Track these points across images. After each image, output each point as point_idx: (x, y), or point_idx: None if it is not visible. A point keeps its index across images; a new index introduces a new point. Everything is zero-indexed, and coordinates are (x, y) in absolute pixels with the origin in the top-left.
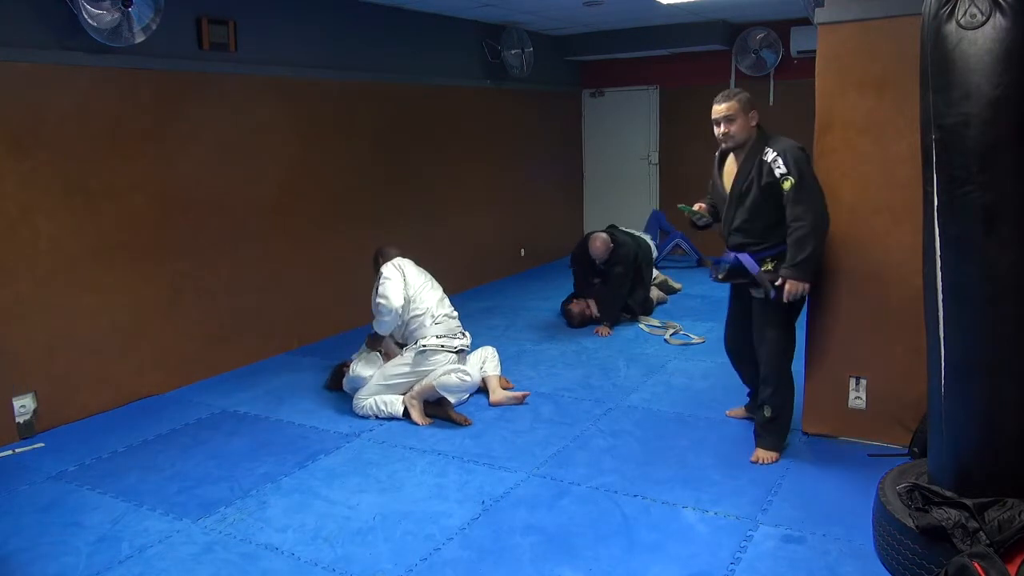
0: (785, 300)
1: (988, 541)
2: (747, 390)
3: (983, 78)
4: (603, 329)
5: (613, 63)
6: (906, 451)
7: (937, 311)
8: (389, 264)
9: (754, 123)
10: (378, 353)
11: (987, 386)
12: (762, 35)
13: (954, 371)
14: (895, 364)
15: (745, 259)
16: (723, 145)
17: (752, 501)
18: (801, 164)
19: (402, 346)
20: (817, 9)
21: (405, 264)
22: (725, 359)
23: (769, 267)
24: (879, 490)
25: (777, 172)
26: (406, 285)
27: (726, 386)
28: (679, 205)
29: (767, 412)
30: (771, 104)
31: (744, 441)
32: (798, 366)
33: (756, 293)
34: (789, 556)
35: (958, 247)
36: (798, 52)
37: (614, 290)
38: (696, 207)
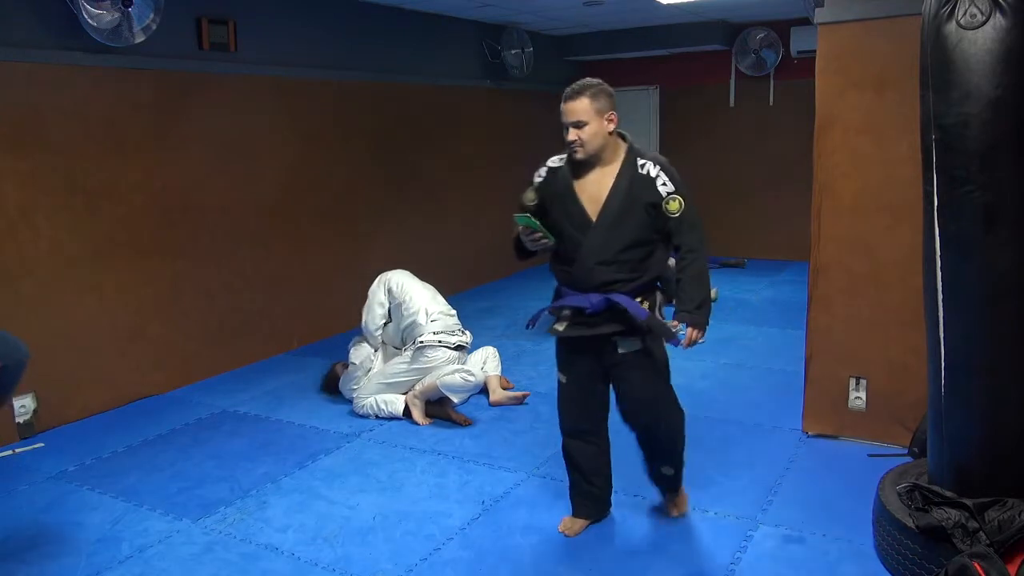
0: (684, 348)
1: (988, 541)
2: (586, 487)
3: (983, 78)
4: None
5: (613, 63)
6: (906, 451)
7: (937, 311)
8: (377, 278)
9: (611, 129)
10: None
11: (987, 386)
12: (762, 35)
13: (954, 371)
14: (895, 364)
15: (624, 301)
16: (576, 156)
17: (752, 501)
18: (680, 181)
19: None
20: (817, 9)
21: (391, 274)
22: (725, 359)
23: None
24: (879, 490)
25: (663, 190)
26: (390, 292)
27: (726, 386)
28: (517, 216)
29: (669, 471)
30: (771, 104)
31: (744, 441)
32: (798, 366)
33: (628, 346)
34: (789, 556)
35: (958, 247)
36: (798, 52)
37: None
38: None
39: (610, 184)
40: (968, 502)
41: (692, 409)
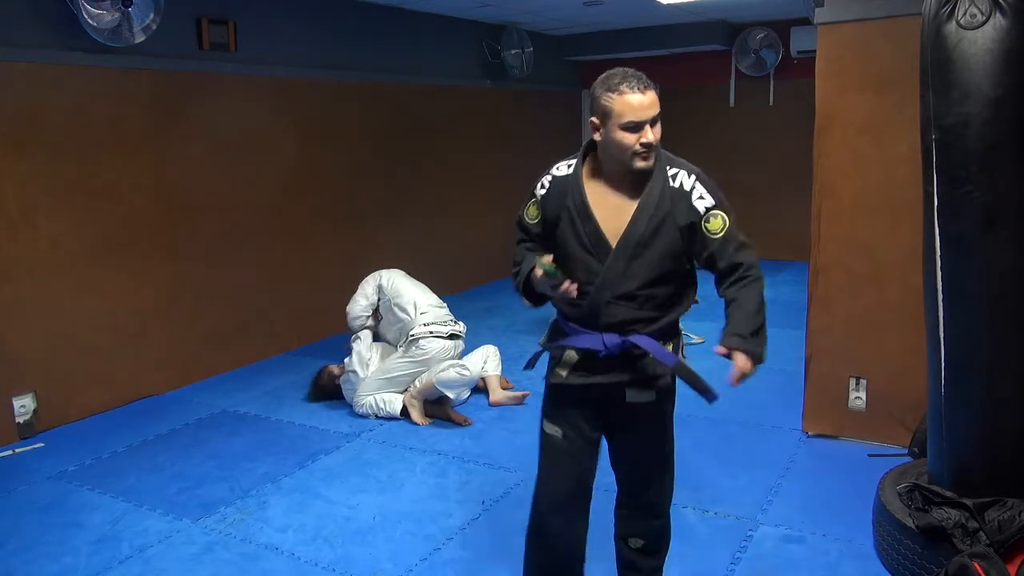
0: (733, 384)
1: (988, 541)
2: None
3: (983, 78)
4: None
5: (613, 63)
6: (906, 451)
7: (937, 311)
8: (373, 273)
9: None
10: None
11: (987, 386)
12: (762, 35)
13: (954, 371)
14: (895, 364)
15: (648, 345)
16: (638, 164)
17: (752, 501)
18: (720, 193)
19: (396, 347)
20: (817, 9)
21: (385, 271)
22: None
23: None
24: (879, 490)
25: (701, 205)
26: (380, 288)
27: (726, 386)
28: (541, 263)
29: (656, 563)
30: (771, 104)
31: (744, 441)
32: (798, 366)
33: (639, 396)
34: (789, 556)
35: (958, 247)
36: (798, 52)
37: None
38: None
39: (636, 200)
40: (968, 502)
41: (692, 409)
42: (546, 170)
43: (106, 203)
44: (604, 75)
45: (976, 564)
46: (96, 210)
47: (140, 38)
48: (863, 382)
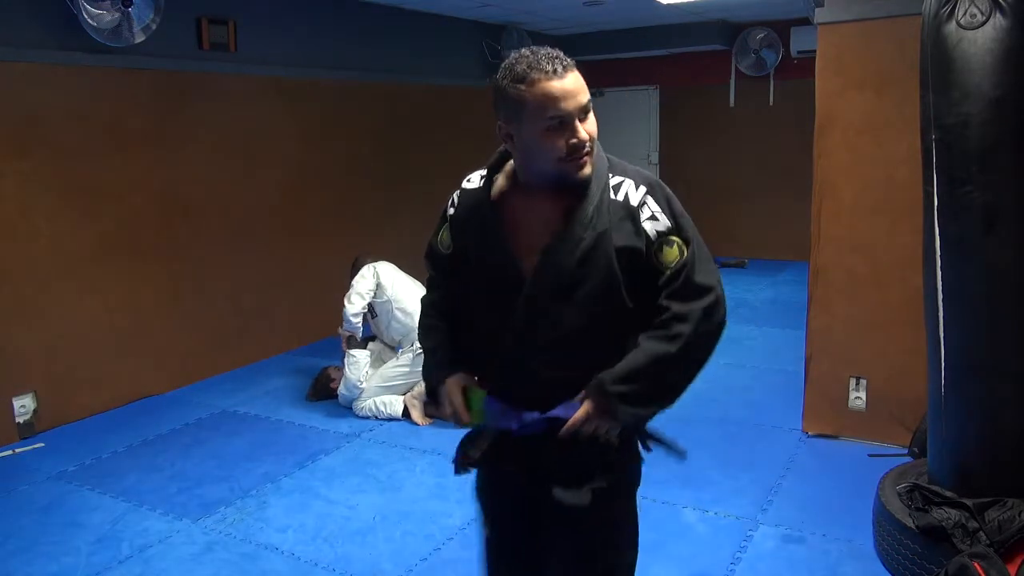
0: (561, 434)
1: (988, 541)
2: None
3: (983, 78)
4: None
5: (613, 63)
6: (906, 451)
7: (937, 311)
8: (368, 265)
9: None
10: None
11: (987, 386)
12: (762, 35)
13: (954, 371)
14: (895, 364)
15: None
16: (570, 174)
17: (752, 501)
18: (684, 212)
19: (394, 348)
20: (817, 9)
21: (381, 266)
22: (725, 359)
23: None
24: (879, 490)
25: (651, 228)
26: (380, 287)
27: (726, 386)
28: (474, 411)
29: None
30: (771, 104)
31: (744, 441)
32: (798, 366)
33: (571, 497)
34: (789, 556)
35: (958, 247)
36: (798, 52)
37: None
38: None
39: (560, 218)
40: (968, 502)
41: (692, 409)
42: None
43: (106, 203)
44: (507, 61)
45: (976, 564)
46: (96, 210)
47: (140, 38)
48: (863, 382)
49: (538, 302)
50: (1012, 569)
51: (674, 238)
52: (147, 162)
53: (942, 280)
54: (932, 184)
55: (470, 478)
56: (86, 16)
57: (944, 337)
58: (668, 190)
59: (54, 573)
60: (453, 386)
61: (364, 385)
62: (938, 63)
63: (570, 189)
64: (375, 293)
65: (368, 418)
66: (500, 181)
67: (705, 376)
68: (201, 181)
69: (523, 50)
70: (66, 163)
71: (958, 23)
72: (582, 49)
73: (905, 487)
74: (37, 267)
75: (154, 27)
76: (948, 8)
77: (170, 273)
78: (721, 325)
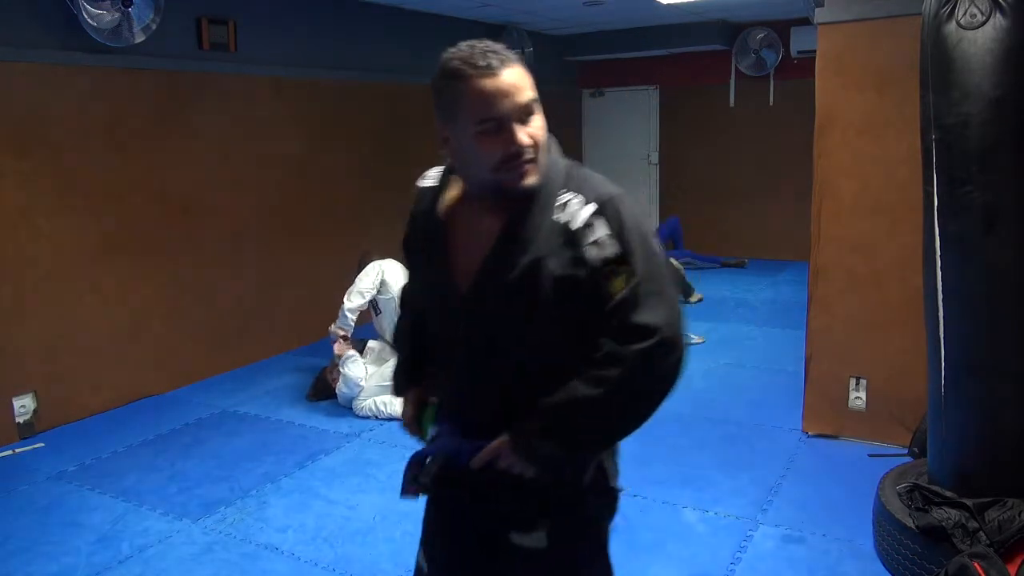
0: (474, 464)
1: (988, 541)
2: None
3: (983, 78)
4: None
5: (613, 63)
6: (906, 451)
7: (937, 311)
8: (373, 263)
9: None
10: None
11: (987, 386)
12: (762, 35)
13: (954, 371)
14: (895, 364)
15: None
16: (510, 182)
17: (752, 501)
18: (645, 235)
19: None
20: (817, 9)
21: (387, 264)
22: (725, 359)
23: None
24: (879, 490)
25: (595, 254)
26: (384, 284)
27: (726, 386)
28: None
29: None
30: (771, 104)
31: (744, 441)
32: (798, 366)
33: (528, 540)
34: (789, 556)
35: (958, 247)
36: (798, 52)
37: None
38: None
39: (496, 234)
40: (968, 502)
41: (692, 409)
42: None
43: (106, 203)
44: (442, 56)
45: (976, 564)
46: (96, 210)
47: (140, 38)
48: (863, 382)
49: (472, 331)
50: (1012, 569)
51: (621, 268)
52: (147, 162)
53: (942, 280)
54: (932, 184)
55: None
56: (86, 16)
57: (944, 337)
58: (627, 208)
59: (54, 573)
60: (410, 398)
61: (364, 384)
62: (938, 63)
63: (513, 202)
64: (380, 290)
65: (368, 418)
66: (453, 188)
67: (705, 376)
68: (201, 181)
69: (461, 44)
70: (66, 163)
71: (958, 23)
72: (582, 49)
73: (905, 487)
74: (37, 267)
75: (154, 27)
76: (948, 8)
77: (170, 273)
78: (667, 374)
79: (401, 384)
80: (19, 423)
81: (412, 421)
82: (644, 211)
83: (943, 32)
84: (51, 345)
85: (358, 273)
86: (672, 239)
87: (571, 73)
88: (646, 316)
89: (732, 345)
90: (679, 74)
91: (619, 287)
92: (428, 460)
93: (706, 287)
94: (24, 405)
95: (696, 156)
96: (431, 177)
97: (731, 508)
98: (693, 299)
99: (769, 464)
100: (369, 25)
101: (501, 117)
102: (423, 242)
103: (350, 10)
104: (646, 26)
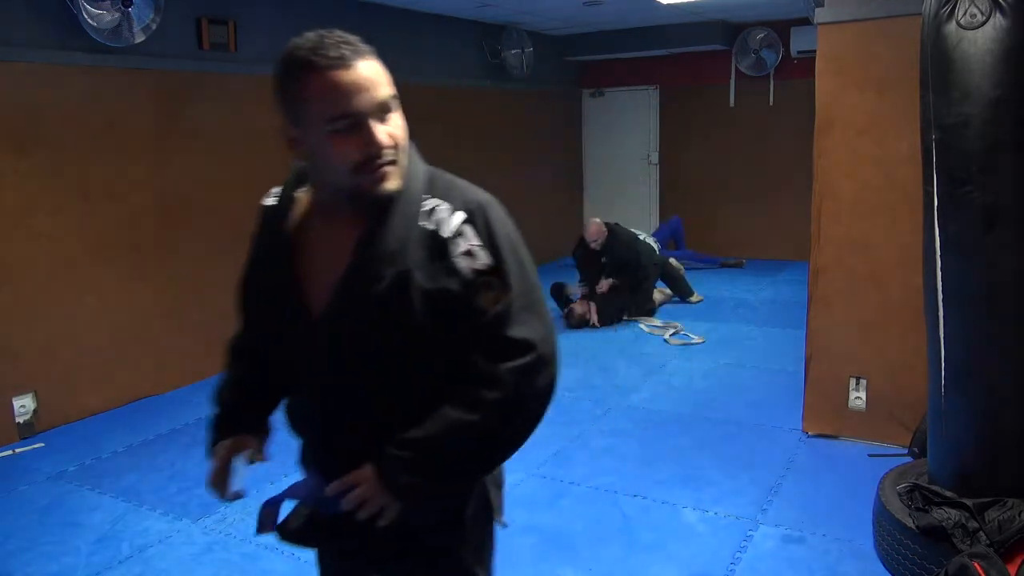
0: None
1: (988, 541)
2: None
3: (983, 78)
4: (587, 303)
5: (613, 63)
6: (906, 451)
7: (937, 311)
8: None
9: None
10: None
11: (987, 386)
12: (762, 35)
13: (954, 371)
14: (895, 364)
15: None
16: (366, 187)
17: (752, 501)
18: (516, 245)
19: None
20: (817, 9)
21: None
22: (725, 359)
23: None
24: (879, 490)
25: (466, 265)
26: None
27: (726, 386)
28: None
29: None
30: (771, 104)
31: (744, 441)
32: (798, 366)
33: None
34: (789, 556)
35: (958, 247)
36: (798, 52)
37: (621, 271)
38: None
39: (353, 245)
40: (968, 502)
41: (692, 409)
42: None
43: (106, 203)
44: (289, 45)
45: (976, 564)
46: (96, 210)
47: (140, 38)
48: (863, 382)
49: (334, 353)
50: (1012, 569)
51: (492, 278)
52: (147, 162)
53: (942, 280)
54: (932, 184)
55: None
56: (86, 16)
57: (944, 337)
58: (498, 214)
59: (54, 573)
60: (221, 451)
61: None
62: (938, 63)
63: (372, 210)
64: None
65: None
66: (303, 198)
67: (705, 376)
68: (201, 181)
69: (308, 34)
70: (66, 163)
71: (958, 23)
72: (582, 49)
73: (905, 487)
74: (37, 267)
75: (154, 27)
76: (948, 8)
77: (170, 273)
78: (544, 392)
79: (216, 436)
80: (19, 423)
81: (215, 480)
82: (509, 220)
83: (943, 32)
84: (51, 345)
85: None
86: (674, 239)
87: (571, 73)
88: (521, 331)
89: (732, 345)
90: (679, 74)
91: (492, 301)
92: (297, 505)
93: (706, 287)
94: (24, 405)
95: (696, 156)
96: (272, 196)
97: (731, 508)
98: (693, 299)
99: (769, 464)
100: (369, 25)
101: (357, 114)
102: (265, 262)
103: (350, 10)
104: (646, 26)
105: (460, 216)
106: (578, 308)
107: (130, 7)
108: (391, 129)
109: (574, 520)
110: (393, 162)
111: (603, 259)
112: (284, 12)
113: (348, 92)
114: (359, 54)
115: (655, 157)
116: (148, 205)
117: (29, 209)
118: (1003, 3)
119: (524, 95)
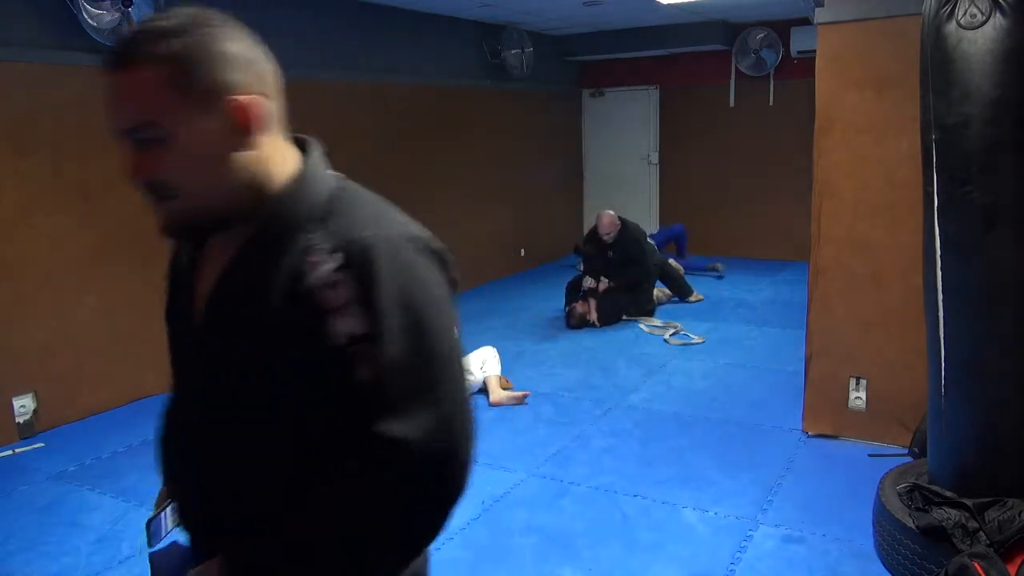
0: None
1: (988, 541)
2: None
3: (983, 78)
4: (592, 281)
5: (613, 63)
6: (906, 451)
7: (937, 311)
8: None
9: (248, 137)
10: None
11: (987, 386)
12: (762, 35)
13: (954, 371)
14: (895, 364)
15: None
16: (162, 227)
17: (752, 501)
18: (412, 303)
19: None
20: (817, 9)
21: None
22: (725, 359)
23: None
24: (879, 490)
25: (338, 328)
26: None
27: (726, 386)
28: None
29: None
30: (771, 104)
31: (744, 441)
32: (798, 366)
33: None
34: (789, 556)
35: (958, 247)
36: (798, 52)
37: (627, 267)
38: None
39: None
40: (968, 502)
41: (692, 409)
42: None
43: (106, 203)
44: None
45: (976, 564)
46: (96, 210)
47: None
48: (863, 382)
49: (194, 380)
50: (1012, 569)
51: (368, 349)
52: None
53: (942, 280)
54: (932, 184)
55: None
56: (86, 16)
57: (944, 337)
58: (390, 260)
59: (54, 573)
60: (158, 499)
61: None
62: (938, 63)
63: (238, 236)
64: None
65: None
66: None
67: (705, 376)
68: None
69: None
70: (66, 163)
71: (958, 23)
72: (582, 49)
73: (905, 487)
74: (37, 267)
75: None
76: (948, 8)
77: None
78: (429, 501)
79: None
80: (19, 423)
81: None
82: (420, 267)
83: (943, 32)
84: (51, 345)
85: None
86: (675, 244)
87: (571, 73)
88: (395, 425)
89: (732, 345)
90: (679, 74)
91: (367, 373)
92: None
93: (706, 287)
94: (24, 405)
95: (696, 156)
96: None
97: (731, 508)
98: (693, 298)
99: (769, 464)
100: (369, 25)
101: (113, 131)
102: (169, 286)
103: (349, 10)
104: (646, 26)
105: (337, 261)
106: (579, 307)
107: (130, 7)
108: (148, 163)
109: (574, 520)
110: (160, 200)
111: (610, 253)
112: (283, 12)
113: (105, 103)
114: (126, 59)
115: (655, 157)
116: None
117: (29, 209)
118: (1003, 3)
119: (524, 95)
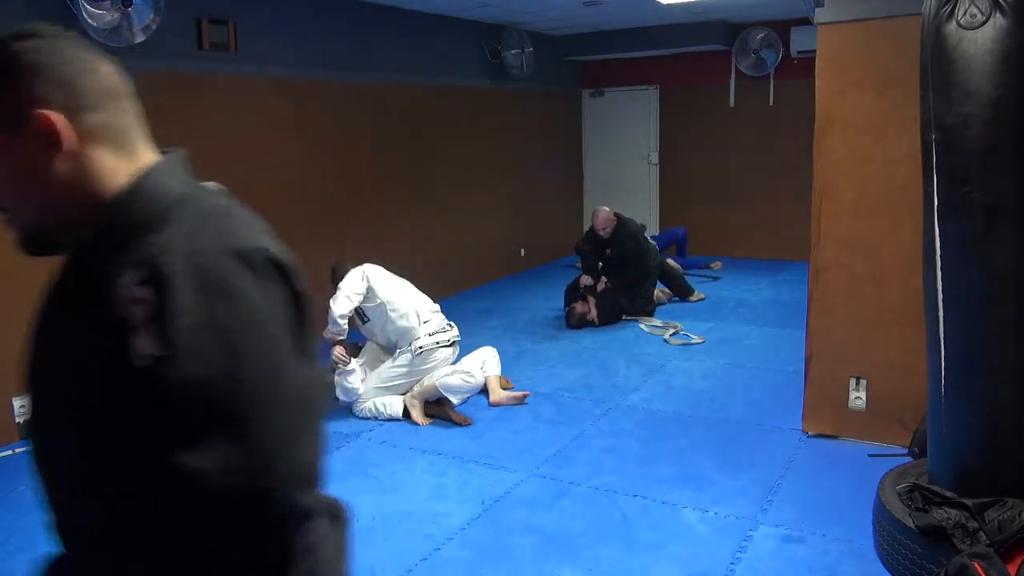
0: None
1: (988, 541)
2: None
3: (983, 78)
4: (589, 279)
5: (613, 63)
6: (906, 451)
7: (937, 311)
8: (356, 268)
9: (66, 152)
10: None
11: (987, 385)
12: (762, 35)
13: (954, 370)
14: (895, 364)
15: None
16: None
17: (752, 501)
18: (222, 326)
19: (387, 349)
20: (817, 9)
21: (369, 268)
22: (725, 359)
23: None
24: (879, 490)
25: (143, 348)
26: (371, 291)
27: (726, 386)
28: None
29: None
30: (771, 104)
31: (744, 441)
32: (798, 366)
33: None
34: (789, 556)
35: (958, 247)
36: (798, 52)
37: (626, 265)
38: None
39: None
40: (968, 502)
41: (692, 409)
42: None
43: None
44: None
45: (976, 564)
46: None
47: (140, 38)
48: (863, 382)
49: (36, 414)
50: (1012, 569)
51: (162, 370)
52: None
53: (942, 280)
54: (932, 184)
55: (470, 478)
56: (86, 16)
57: (944, 337)
58: (212, 275)
59: None
60: None
61: (362, 390)
62: (938, 63)
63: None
64: (365, 296)
65: (368, 419)
66: None
67: (705, 376)
68: (201, 181)
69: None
70: None
71: (958, 23)
72: (582, 49)
73: (905, 487)
74: (36, 267)
75: (154, 27)
76: (948, 8)
77: None
78: (236, 544)
79: None
80: (19, 423)
81: None
82: (238, 286)
83: (943, 32)
84: None
85: (334, 282)
86: (677, 247)
87: (571, 73)
88: (190, 456)
89: (732, 345)
90: (679, 74)
91: (160, 398)
92: None
93: (707, 287)
94: (24, 405)
95: (696, 156)
96: None
97: (731, 508)
98: (693, 298)
99: (769, 464)
100: (369, 25)
101: None
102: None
103: (350, 10)
104: (646, 26)
105: (139, 275)
106: (579, 307)
107: (130, 7)
108: None
109: (574, 520)
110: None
111: (608, 251)
112: (284, 12)
113: None
114: None
115: (655, 157)
116: None
117: None
118: (1003, 3)
119: (524, 95)
